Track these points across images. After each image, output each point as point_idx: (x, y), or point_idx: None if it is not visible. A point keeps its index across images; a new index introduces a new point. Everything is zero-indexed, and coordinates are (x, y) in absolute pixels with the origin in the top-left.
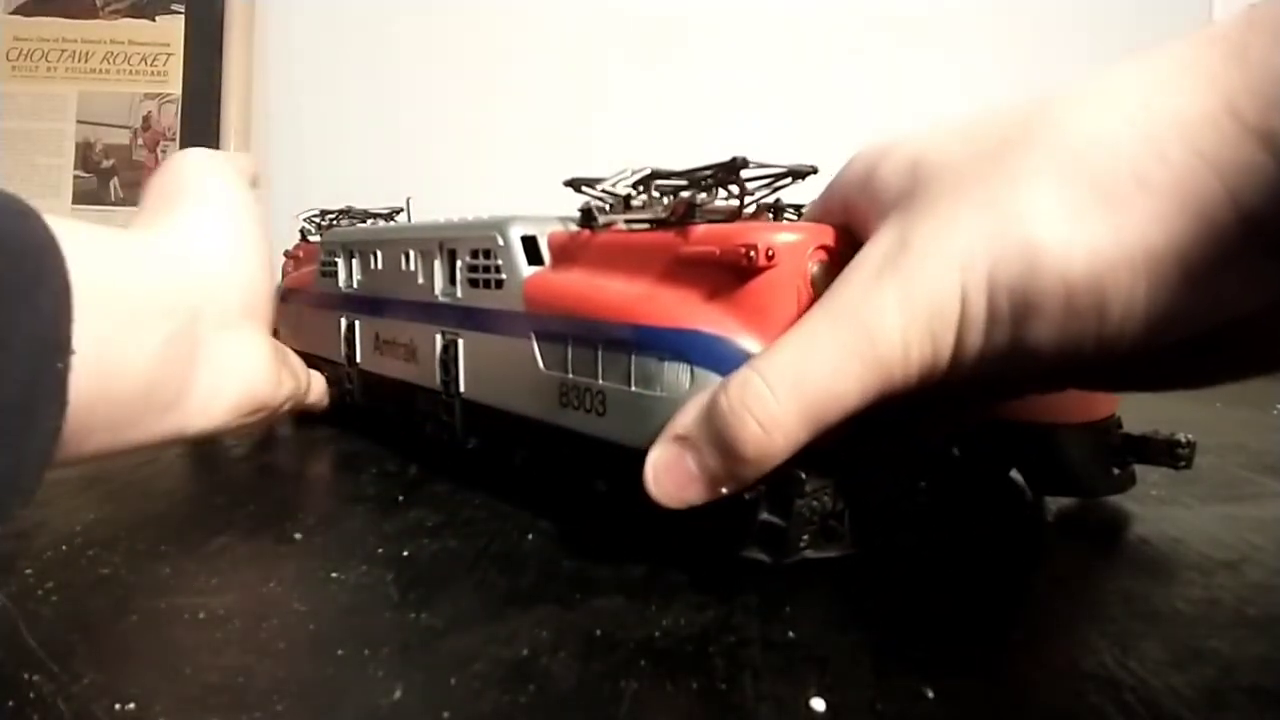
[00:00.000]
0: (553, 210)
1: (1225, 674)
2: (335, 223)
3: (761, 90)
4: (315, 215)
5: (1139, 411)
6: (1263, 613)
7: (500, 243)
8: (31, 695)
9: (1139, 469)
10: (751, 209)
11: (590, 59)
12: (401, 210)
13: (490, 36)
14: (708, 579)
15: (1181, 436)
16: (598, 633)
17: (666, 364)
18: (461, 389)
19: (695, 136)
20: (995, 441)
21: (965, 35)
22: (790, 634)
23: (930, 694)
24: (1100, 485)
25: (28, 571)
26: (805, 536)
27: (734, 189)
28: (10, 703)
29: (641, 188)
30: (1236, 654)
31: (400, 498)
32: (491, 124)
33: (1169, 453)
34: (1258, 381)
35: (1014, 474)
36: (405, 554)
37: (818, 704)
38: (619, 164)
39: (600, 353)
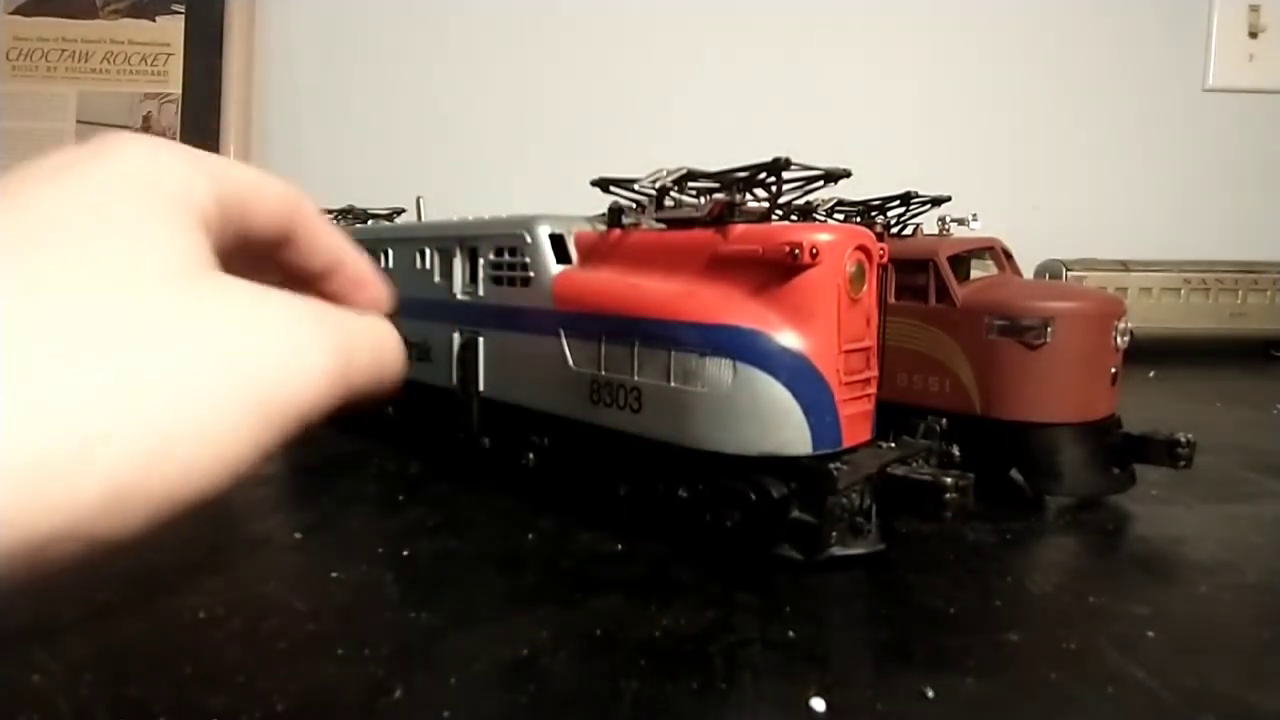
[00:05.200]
0: (553, 209)
1: (1225, 673)
2: (335, 222)
3: (758, 92)
4: None
5: (1139, 411)
6: (1263, 612)
7: (528, 240)
8: (32, 694)
9: (1139, 469)
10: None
11: (590, 61)
12: (403, 210)
13: (490, 37)
14: (707, 579)
15: (1181, 436)
16: (598, 633)
17: (708, 359)
18: (481, 387)
19: (687, 139)
20: (995, 441)
21: (964, 31)
22: (790, 634)
23: (930, 694)
24: (1100, 485)
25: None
26: (834, 534)
27: (762, 191)
28: (11, 701)
29: (677, 188)
30: (1236, 653)
31: (400, 498)
32: (492, 124)
33: (1169, 453)
34: (1258, 381)
35: (1014, 474)
36: (405, 554)
37: (818, 704)
38: (617, 166)
39: (636, 349)
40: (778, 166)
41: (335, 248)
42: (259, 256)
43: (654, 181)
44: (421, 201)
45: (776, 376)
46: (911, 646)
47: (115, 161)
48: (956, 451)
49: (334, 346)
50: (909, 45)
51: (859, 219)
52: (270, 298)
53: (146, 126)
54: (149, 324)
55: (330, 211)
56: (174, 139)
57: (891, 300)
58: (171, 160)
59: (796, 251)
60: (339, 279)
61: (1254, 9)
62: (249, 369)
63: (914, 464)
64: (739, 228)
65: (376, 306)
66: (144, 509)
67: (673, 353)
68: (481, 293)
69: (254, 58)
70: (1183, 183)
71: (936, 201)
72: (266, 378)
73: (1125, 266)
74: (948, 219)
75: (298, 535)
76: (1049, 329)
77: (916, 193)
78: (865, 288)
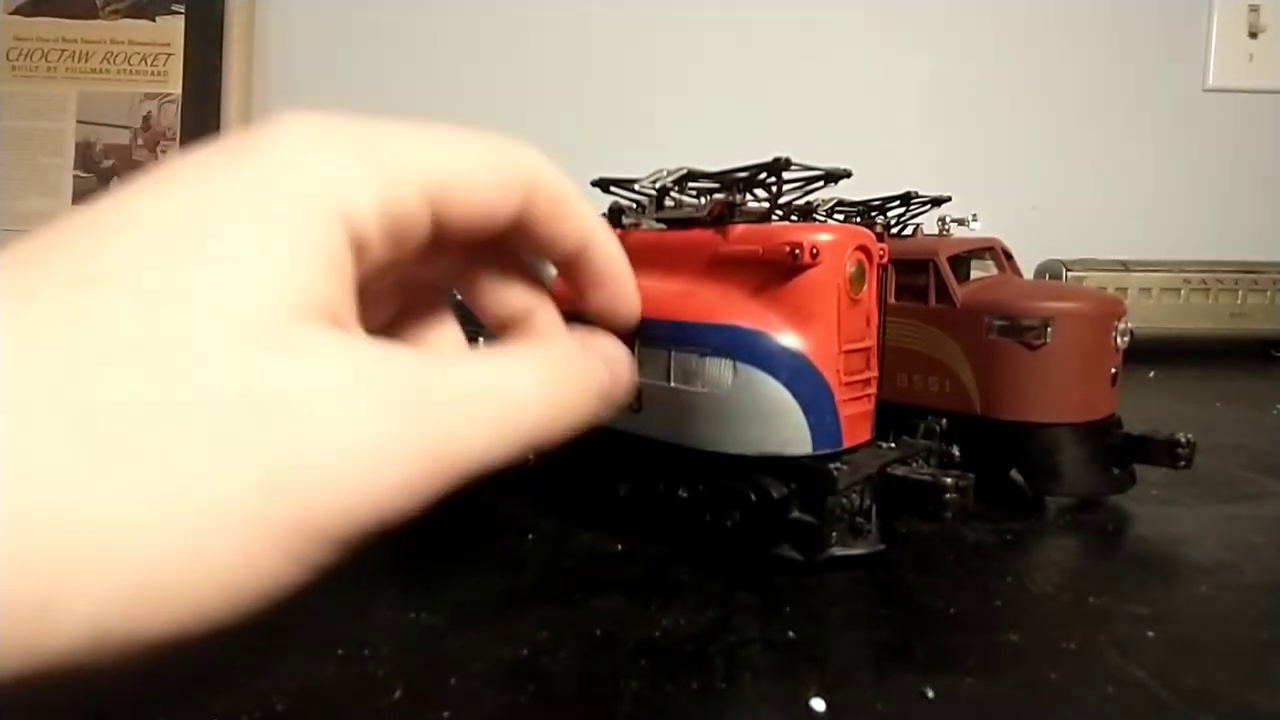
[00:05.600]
0: None
1: (1225, 673)
2: None
3: (756, 89)
4: None
5: (1139, 411)
6: (1263, 612)
7: None
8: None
9: (1139, 469)
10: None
11: (590, 61)
12: None
13: (490, 37)
14: (707, 579)
15: (1181, 436)
16: (598, 633)
17: (708, 359)
18: None
19: (687, 138)
20: (995, 442)
21: (963, 31)
22: (790, 634)
23: (930, 694)
24: (1100, 485)
25: None
26: (834, 534)
27: (762, 191)
28: (12, 702)
29: (677, 188)
30: (1236, 653)
31: None
32: (491, 125)
33: (1169, 453)
34: (1257, 382)
35: (1014, 474)
36: (405, 554)
37: (818, 704)
38: (617, 166)
39: (636, 349)
40: (778, 167)
41: (576, 236)
42: (476, 242)
43: (654, 182)
44: None
45: (777, 377)
46: (911, 646)
47: (260, 158)
48: (956, 452)
49: (426, 450)
50: (909, 46)
51: (859, 219)
52: (360, 381)
53: (147, 126)
54: (179, 413)
55: None
56: (174, 139)
57: (891, 300)
58: (332, 157)
59: (797, 252)
60: (572, 274)
61: (1254, 9)
62: (298, 488)
63: (914, 464)
64: (739, 228)
65: (616, 315)
66: (133, 648)
67: (672, 353)
68: None
69: (254, 58)
70: (1183, 183)
71: (937, 202)
72: (319, 499)
73: (1125, 266)
74: (948, 219)
75: None
76: (1049, 329)
77: (916, 193)
78: (865, 288)
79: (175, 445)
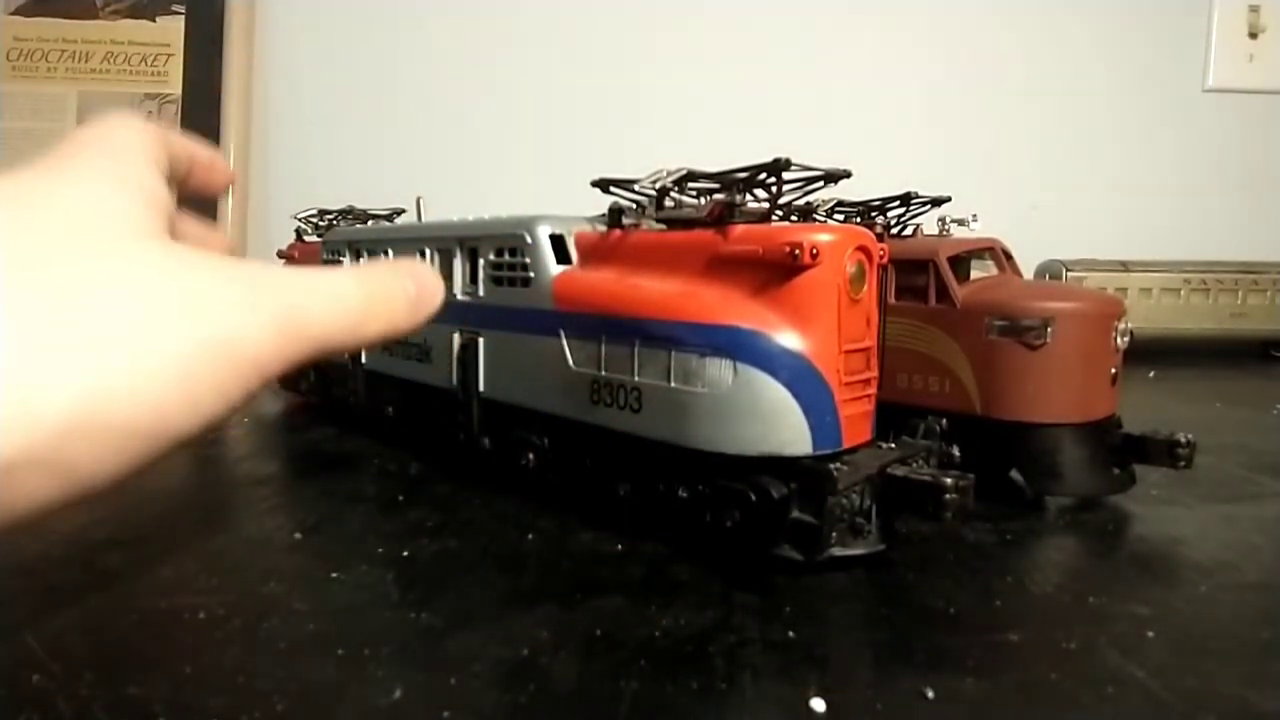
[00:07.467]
0: (553, 210)
1: (1225, 673)
2: (335, 223)
3: (758, 93)
4: (312, 215)
5: (1139, 411)
6: (1263, 612)
7: (528, 241)
8: (32, 694)
9: (1139, 469)
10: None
11: (591, 61)
12: (403, 210)
13: (490, 37)
14: (707, 579)
15: (1181, 436)
16: (598, 633)
17: (708, 360)
18: (481, 388)
19: (687, 138)
20: (995, 441)
21: (963, 32)
22: (790, 634)
23: (930, 694)
24: (1100, 485)
25: (29, 571)
26: (834, 534)
27: (762, 192)
28: (11, 701)
29: (677, 188)
30: (1236, 653)
31: (400, 498)
32: (492, 124)
33: (1169, 452)
34: (1258, 381)
35: (1014, 474)
36: (405, 554)
37: (818, 704)
38: (618, 167)
39: (637, 349)
40: (778, 167)
41: (185, 154)
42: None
43: (654, 182)
44: (421, 201)
45: (776, 377)
46: (911, 646)
47: (98, 148)
48: (956, 452)
49: (279, 305)
50: (910, 46)
51: (859, 219)
52: (216, 262)
53: None
54: (114, 271)
55: (329, 212)
56: None
57: (891, 300)
58: (143, 141)
59: (796, 252)
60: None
61: (1254, 9)
62: (206, 319)
63: (914, 464)
64: (739, 228)
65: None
66: (109, 440)
67: (673, 353)
68: (482, 293)
69: (254, 58)
70: (1183, 183)
71: (936, 202)
72: (222, 328)
73: (1125, 267)
74: (948, 219)
75: (298, 535)
76: (1049, 329)
77: (916, 193)
78: (865, 288)
79: (128, 292)
